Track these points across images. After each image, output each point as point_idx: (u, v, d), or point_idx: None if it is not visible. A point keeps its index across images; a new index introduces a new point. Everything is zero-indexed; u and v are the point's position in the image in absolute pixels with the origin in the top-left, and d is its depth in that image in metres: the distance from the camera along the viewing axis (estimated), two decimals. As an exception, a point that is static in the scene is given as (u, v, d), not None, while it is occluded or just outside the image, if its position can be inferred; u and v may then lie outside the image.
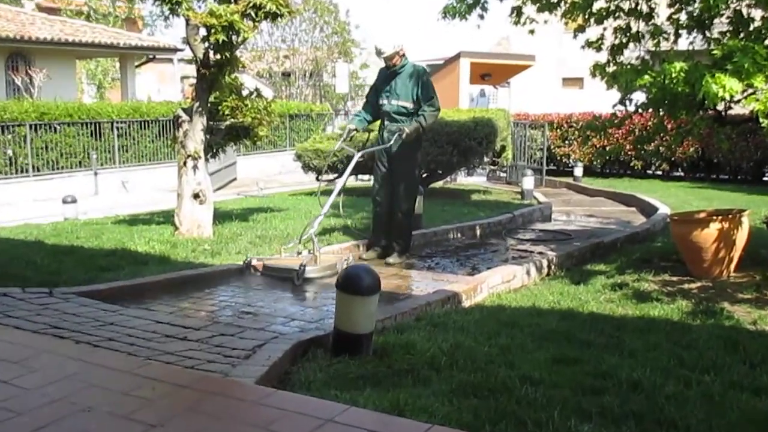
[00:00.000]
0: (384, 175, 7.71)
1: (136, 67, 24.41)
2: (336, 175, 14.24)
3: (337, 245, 7.99)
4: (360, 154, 7.66)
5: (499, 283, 6.53)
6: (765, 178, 17.25)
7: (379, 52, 7.58)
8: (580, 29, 7.95)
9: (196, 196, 8.37)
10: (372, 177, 7.98)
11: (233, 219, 9.61)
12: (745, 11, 6.90)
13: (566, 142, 19.86)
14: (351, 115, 29.35)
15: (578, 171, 18.03)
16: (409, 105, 7.51)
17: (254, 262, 6.88)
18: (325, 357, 4.32)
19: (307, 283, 6.49)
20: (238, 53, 8.37)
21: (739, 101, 6.55)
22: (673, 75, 5.84)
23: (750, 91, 5.82)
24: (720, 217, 6.89)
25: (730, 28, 6.98)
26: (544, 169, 17.82)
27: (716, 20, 7.03)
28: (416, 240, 8.65)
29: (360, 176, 16.56)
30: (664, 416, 3.57)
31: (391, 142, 7.41)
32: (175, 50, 24.00)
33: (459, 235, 9.50)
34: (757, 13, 6.76)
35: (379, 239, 7.80)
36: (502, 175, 18.48)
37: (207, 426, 2.96)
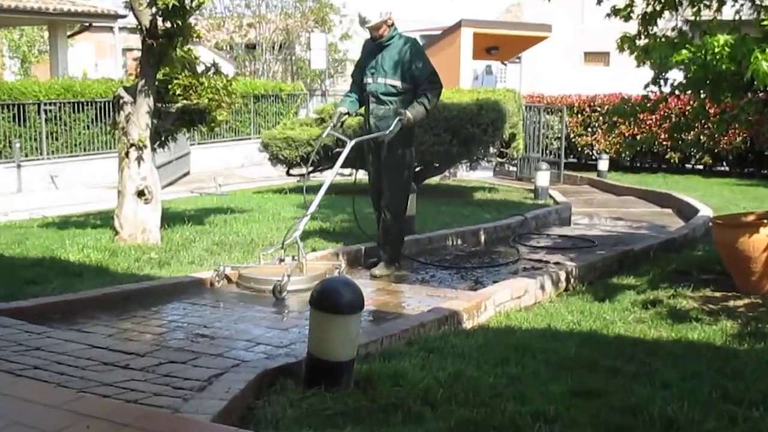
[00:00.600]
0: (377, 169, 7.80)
1: (69, 37, 24.35)
2: (311, 168, 14.29)
3: (314, 253, 8.01)
4: (354, 142, 7.68)
5: (508, 300, 6.54)
6: (826, 174, 17.36)
7: (363, 21, 7.60)
8: (606, -6, 7.99)
9: (140, 193, 8.36)
10: (355, 171, 8.02)
11: (186, 222, 9.59)
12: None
13: (589, 129, 19.95)
14: (329, 95, 29.40)
15: (603, 165, 18.11)
16: (399, 84, 7.54)
17: (227, 272, 6.94)
18: (297, 389, 4.32)
19: (291, 297, 6.56)
20: (192, 21, 8.35)
21: (795, 82, 6.60)
22: (716, 50, 5.87)
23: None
24: (772, 221, 6.93)
25: (785, -6, 7.04)
26: (563, 163, 17.90)
27: (768, -16, 7.08)
28: (408, 248, 8.65)
29: (344, 171, 16.58)
30: (705, 460, 3.60)
31: (391, 128, 7.41)
32: (116, 17, 23.94)
33: (459, 241, 9.52)
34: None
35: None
36: (512, 169, 18.54)
37: (153, 473, 2.96)
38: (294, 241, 7.20)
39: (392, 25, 7.60)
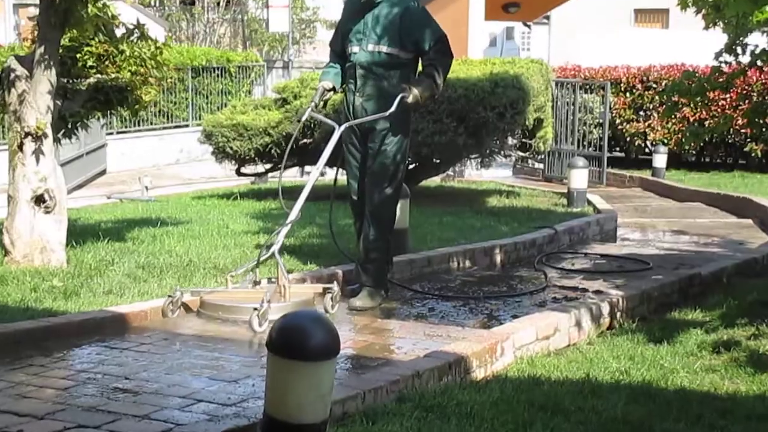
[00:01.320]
0: (362, 165, 7.77)
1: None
2: (270, 166, 14.31)
3: (309, 272, 8.07)
4: (344, 127, 7.67)
5: (532, 341, 6.54)
6: None
7: None
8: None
9: (39, 199, 8.31)
10: (345, 172, 7.98)
11: (101, 238, 9.57)
12: None
13: (641, 113, 20.07)
14: (294, 67, 29.37)
15: (660, 160, 18.19)
16: (396, 52, 7.53)
17: (186, 298, 7.03)
18: (250, 462, 4.30)
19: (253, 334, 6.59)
20: (108, -33, 8.36)
21: None
22: (811, 6, 5.90)
23: None
24: None
25: None
26: (606, 158, 17.98)
27: None
28: (400, 270, 8.66)
29: (307, 168, 16.52)
30: None
31: (393, 107, 7.38)
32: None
33: (467, 263, 9.52)
34: None
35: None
36: (538, 166, 18.62)
37: None
38: (271, 259, 7.28)
39: None
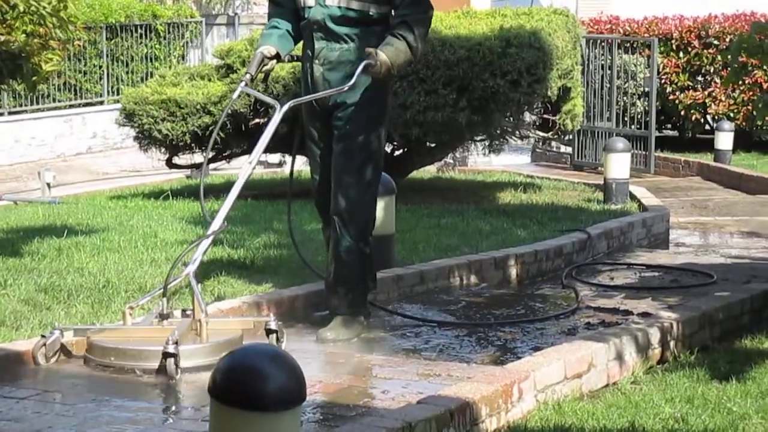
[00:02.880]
0: (328, 152, 7.73)
1: None
2: (213, 154, 14.31)
3: (227, 301, 8.04)
4: (287, 107, 7.65)
5: (560, 381, 6.56)
6: None
7: None
8: None
9: None
10: (308, 161, 7.97)
11: (-12, 251, 9.59)
12: None
13: (698, 79, 20.13)
14: (241, 24, 29.36)
15: (725, 140, 18.28)
16: (365, 6, 7.53)
17: (67, 338, 6.86)
18: None
19: (182, 379, 6.50)
20: None
21: None
22: None
23: None
24: None
25: None
26: (653, 138, 18.04)
27: None
28: (383, 290, 8.68)
29: (269, 158, 16.56)
30: None
31: (353, 79, 7.37)
32: None
33: (473, 278, 9.56)
34: None
35: None
36: (564, 150, 18.67)
37: None
38: (180, 284, 7.15)
39: None
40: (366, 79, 7.41)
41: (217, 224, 7.32)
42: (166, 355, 6.37)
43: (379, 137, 7.81)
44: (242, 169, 7.88)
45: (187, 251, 7.41)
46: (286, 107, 7.60)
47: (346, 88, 7.38)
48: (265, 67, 7.77)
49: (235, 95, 8.13)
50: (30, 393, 6.40)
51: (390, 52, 7.34)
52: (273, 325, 7.01)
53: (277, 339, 6.98)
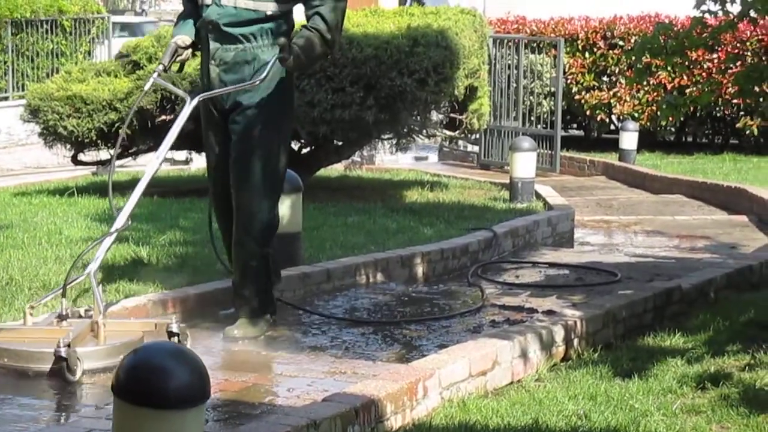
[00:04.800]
0: (225, 149, 7.66)
1: None
2: (118, 150, 14.22)
3: (144, 296, 7.98)
4: (197, 100, 7.59)
5: (465, 378, 6.59)
6: None
7: None
8: None
9: None
10: (205, 158, 7.91)
11: None
12: None
13: (604, 79, 20.29)
14: (149, 22, 29.18)
15: (629, 140, 18.45)
16: (263, 6, 7.43)
17: None
18: None
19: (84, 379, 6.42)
20: None
21: None
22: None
23: None
24: None
25: None
26: (559, 137, 18.16)
27: None
28: (289, 288, 8.68)
29: (176, 155, 16.49)
30: None
31: (266, 71, 7.32)
32: None
33: (379, 276, 9.58)
34: None
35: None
36: (471, 149, 18.74)
37: None
38: (85, 283, 7.08)
39: None
40: (277, 68, 7.36)
41: (120, 222, 7.25)
42: (57, 358, 6.28)
43: (279, 141, 7.72)
44: (149, 165, 7.76)
45: (89, 249, 7.36)
46: (195, 101, 7.55)
47: (257, 82, 7.33)
48: (179, 57, 7.71)
49: (147, 86, 7.96)
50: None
51: (302, 44, 7.29)
52: (174, 328, 6.92)
53: (179, 341, 6.80)
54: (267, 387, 6.69)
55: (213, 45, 7.56)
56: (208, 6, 7.50)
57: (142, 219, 11.17)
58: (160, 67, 7.68)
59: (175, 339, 6.81)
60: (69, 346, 6.30)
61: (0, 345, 6.59)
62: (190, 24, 7.75)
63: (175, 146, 7.73)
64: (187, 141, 9.77)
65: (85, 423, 5.89)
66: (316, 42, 7.36)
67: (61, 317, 6.92)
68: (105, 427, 5.51)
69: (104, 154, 14.76)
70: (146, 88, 8.06)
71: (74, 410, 6.18)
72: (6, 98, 22.91)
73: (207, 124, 7.75)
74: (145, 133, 12.80)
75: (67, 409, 6.19)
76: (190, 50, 7.74)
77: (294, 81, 7.88)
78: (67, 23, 25.21)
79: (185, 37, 7.68)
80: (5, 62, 23.64)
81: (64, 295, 7.02)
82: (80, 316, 6.99)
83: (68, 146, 14.21)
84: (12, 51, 23.72)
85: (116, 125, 13.37)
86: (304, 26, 7.44)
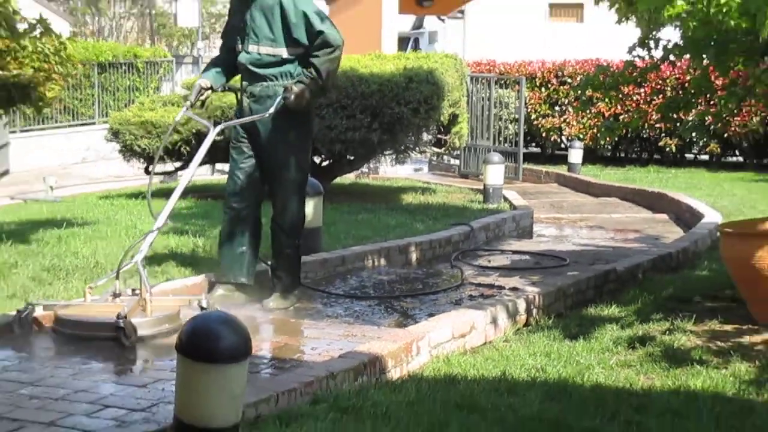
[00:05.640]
0: (248, 167, 7.62)
1: None
2: (180, 164, 14.21)
3: (180, 281, 7.95)
4: (219, 128, 7.59)
5: (448, 340, 6.58)
6: None
7: None
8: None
9: (-62, 201, 8.21)
10: (229, 168, 7.84)
11: (4, 239, 9.46)
12: None
13: (556, 108, 20.27)
14: (204, 62, 29.18)
15: (575, 155, 18.39)
16: (281, 51, 7.41)
17: (38, 313, 6.65)
18: (160, 468, 4.29)
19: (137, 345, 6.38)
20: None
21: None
22: (722, 1, 6.01)
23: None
24: (799, 229, 7.10)
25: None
26: (521, 153, 18.12)
27: None
28: (313, 270, 8.67)
29: (218, 167, 16.45)
30: None
31: (271, 109, 7.31)
32: None
33: (382, 261, 9.55)
34: None
35: (234, 270, 7.72)
36: (453, 162, 18.70)
37: None
38: (135, 268, 6.94)
39: None
40: (279, 105, 7.29)
41: (160, 222, 7.22)
42: (116, 327, 6.24)
43: (301, 157, 7.66)
44: (182, 179, 7.75)
45: (136, 243, 7.24)
46: (218, 129, 7.60)
47: (266, 115, 7.30)
48: (202, 96, 7.66)
49: (178, 117, 8.00)
50: (37, 349, 6.34)
51: (302, 88, 7.27)
52: (204, 303, 6.81)
53: (202, 306, 6.76)
54: (295, 347, 6.67)
55: (245, 82, 7.59)
56: (240, 52, 7.50)
57: (198, 217, 11.17)
58: (188, 102, 7.65)
59: (200, 304, 6.77)
60: (125, 317, 6.27)
61: (67, 317, 6.56)
62: (213, 71, 7.74)
63: (207, 160, 7.68)
64: (213, 154, 9.69)
65: (154, 374, 5.88)
66: (313, 85, 7.32)
67: (115, 295, 6.90)
68: (156, 377, 5.60)
69: (169, 166, 14.71)
70: (177, 118, 8.13)
71: (126, 365, 6.15)
72: (93, 123, 22.87)
73: (234, 146, 7.69)
74: (193, 150, 12.80)
75: (121, 363, 6.18)
76: (210, 91, 7.69)
77: (313, 111, 7.81)
78: (140, 65, 25.17)
79: (207, 81, 7.64)
80: (93, 95, 23.60)
81: (117, 277, 6.97)
82: (130, 295, 6.93)
83: (141, 160, 14.18)
84: (98, 87, 23.69)
85: (178, 144, 13.33)
86: (303, 72, 7.37)
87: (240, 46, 7.52)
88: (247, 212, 7.67)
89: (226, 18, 7.92)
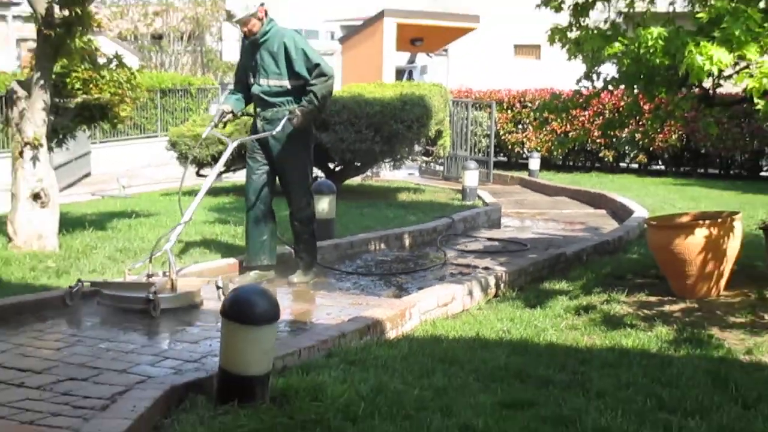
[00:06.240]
0: (261, 173, 7.58)
1: (-45, 25, 23.79)
2: (224, 169, 14.19)
3: (205, 264, 7.82)
4: (236, 143, 7.59)
5: (434, 308, 6.59)
6: (763, 173, 17.84)
7: (229, 17, 7.40)
8: (536, -17, 8.10)
9: (36, 196, 8.20)
10: (246, 172, 7.76)
11: (86, 227, 9.45)
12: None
13: (519, 126, 20.22)
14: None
15: (534, 163, 18.35)
16: (285, 83, 7.38)
17: (87, 288, 6.51)
18: (209, 406, 4.30)
19: (164, 317, 6.23)
20: (92, 8, 8.24)
21: (729, 77, 6.79)
22: (650, 43, 6.01)
23: (742, 64, 6.04)
24: (708, 222, 7.11)
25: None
26: (492, 161, 18.07)
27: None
28: (328, 253, 8.66)
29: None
30: (639, 472, 3.68)
31: (278, 128, 7.29)
32: (10, 4, 23.52)
33: (382, 245, 9.55)
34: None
35: (261, 254, 7.64)
36: (438, 168, 18.66)
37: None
38: (165, 255, 6.82)
39: (264, 18, 7.35)
40: (289, 127, 7.29)
41: (186, 217, 7.16)
42: (147, 301, 6.18)
43: (308, 162, 7.68)
44: (205, 182, 7.64)
45: (166, 234, 7.11)
46: (235, 143, 7.58)
47: (273, 133, 7.30)
48: (224, 119, 7.63)
49: (204, 134, 7.98)
50: (114, 313, 6.34)
51: (303, 112, 7.23)
52: (219, 283, 6.67)
53: (223, 292, 6.54)
54: (313, 312, 6.68)
55: (259, 108, 7.55)
56: (253, 85, 7.47)
57: (232, 211, 11.17)
58: (212, 123, 7.62)
59: (220, 291, 6.59)
60: (155, 294, 6.19)
61: (109, 293, 6.43)
62: (233, 98, 7.68)
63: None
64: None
65: (204, 333, 5.87)
66: (311, 108, 7.27)
67: (149, 276, 6.73)
68: (205, 336, 5.50)
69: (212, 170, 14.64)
70: (204, 135, 8.10)
71: (182, 327, 6.11)
72: (156, 136, 22.83)
73: (250, 156, 7.65)
74: (239, 157, 12.75)
75: (178, 325, 6.17)
76: (230, 114, 7.64)
77: (311, 128, 7.72)
78: (193, 91, 25.11)
79: (228, 107, 7.61)
80: (156, 114, 23.57)
81: (150, 261, 6.83)
82: (161, 276, 6.76)
83: (194, 165, 14.16)
84: (160, 108, 23.68)
85: (221, 152, 13.32)
86: (304, 98, 7.30)
87: (252, 80, 7.48)
88: (263, 207, 7.60)
89: (239, 60, 7.81)
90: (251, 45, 7.44)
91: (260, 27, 7.32)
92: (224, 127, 7.92)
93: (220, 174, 14.70)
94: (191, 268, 7.43)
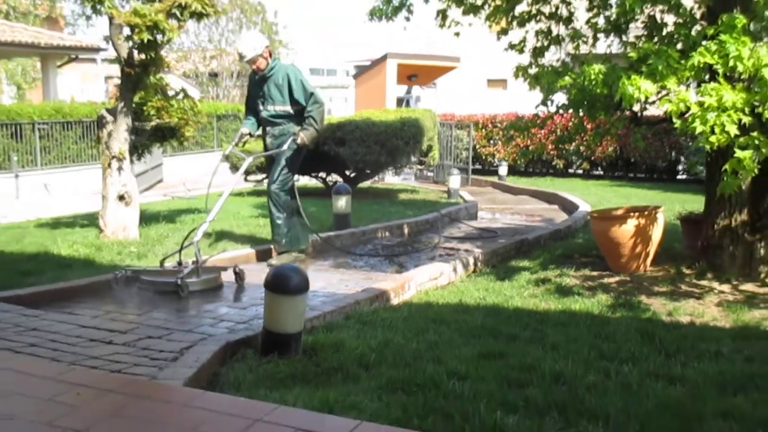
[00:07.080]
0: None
1: (58, 66, 23.73)
2: (264, 175, 14.17)
3: (229, 253, 7.52)
4: (252, 158, 7.54)
5: (427, 281, 6.58)
6: (679, 177, 17.86)
7: (240, 57, 7.33)
8: (503, 32, 8.08)
9: (121, 197, 8.21)
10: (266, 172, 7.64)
11: (160, 220, 9.46)
12: (658, 17, 7.14)
13: (491, 142, 20.16)
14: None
15: (503, 170, 18.31)
16: (288, 108, 7.30)
17: (128, 275, 6.28)
18: (255, 357, 4.30)
19: (193, 297, 6.00)
20: (163, 53, 8.23)
21: (653, 102, 6.77)
22: (592, 77, 5.99)
23: (664, 92, 6.02)
24: (637, 214, 7.10)
25: (645, 33, 7.21)
26: (470, 169, 18.04)
27: (632, 25, 7.25)
28: (345, 239, 8.66)
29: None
30: (585, 406, 3.67)
31: (286, 145, 7.20)
32: (98, 50, 23.43)
33: (387, 233, 9.53)
34: (670, 19, 6.99)
35: (294, 241, 7.50)
36: (429, 174, 18.62)
37: (133, 430, 2.91)
38: (194, 246, 6.57)
39: (269, 57, 7.27)
40: (294, 145, 7.20)
41: (211, 216, 6.96)
42: (176, 285, 5.95)
43: (292, 157, 7.33)
44: (227, 188, 7.47)
45: (194, 230, 6.82)
46: (250, 159, 7.51)
47: (283, 149, 7.21)
48: (243, 139, 7.51)
49: (227, 151, 7.74)
50: (124, 305, 6.33)
51: (306, 134, 7.16)
52: (237, 270, 6.47)
53: (240, 278, 6.38)
54: (334, 285, 6.66)
55: (268, 128, 7.45)
56: (263, 111, 7.38)
57: (257, 208, 11.13)
58: (233, 143, 7.50)
59: (238, 276, 6.42)
60: (182, 278, 5.99)
61: (146, 278, 6.17)
62: (249, 123, 7.51)
63: (307, 172, 7.49)
64: (311, 168, 9.54)
65: (251, 302, 5.84)
66: (311, 130, 7.19)
67: (180, 264, 6.49)
68: (252, 304, 5.48)
69: (259, 176, 14.56)
70: (226, 152, 7.83)
71: (234, 297, 6.10)
72: (213, 150, 22.81)
73: (267, 161, 7.63)
74: (270, 167, 12.77)
75: (231, 295, 6.16)
76: (248, 135, 7.52)
77: (302, 147, 7.36)
78: (241, 115, 25.05)
79: (246, 129, 7.48)
80: (213, 134, 23.54)
81: (180, 252, 6.57)
82: (190, 265, 6.42)
83: (242, 173, 14.15)
84: (216, 129, 23.65)
85: (264, 163, 13.26)
86: (304, 121, 7.21)
87: (261, 107, 7.39)
88: (286, 205, 7.43)
89: (247, 92, 7.65)
90: (260, 79, 7.34)
91: (266, 64, 7.25)
92: (243, 145, 7.74)
93: (262, 180, 14.67)
94: (222, 255, 7.23)
